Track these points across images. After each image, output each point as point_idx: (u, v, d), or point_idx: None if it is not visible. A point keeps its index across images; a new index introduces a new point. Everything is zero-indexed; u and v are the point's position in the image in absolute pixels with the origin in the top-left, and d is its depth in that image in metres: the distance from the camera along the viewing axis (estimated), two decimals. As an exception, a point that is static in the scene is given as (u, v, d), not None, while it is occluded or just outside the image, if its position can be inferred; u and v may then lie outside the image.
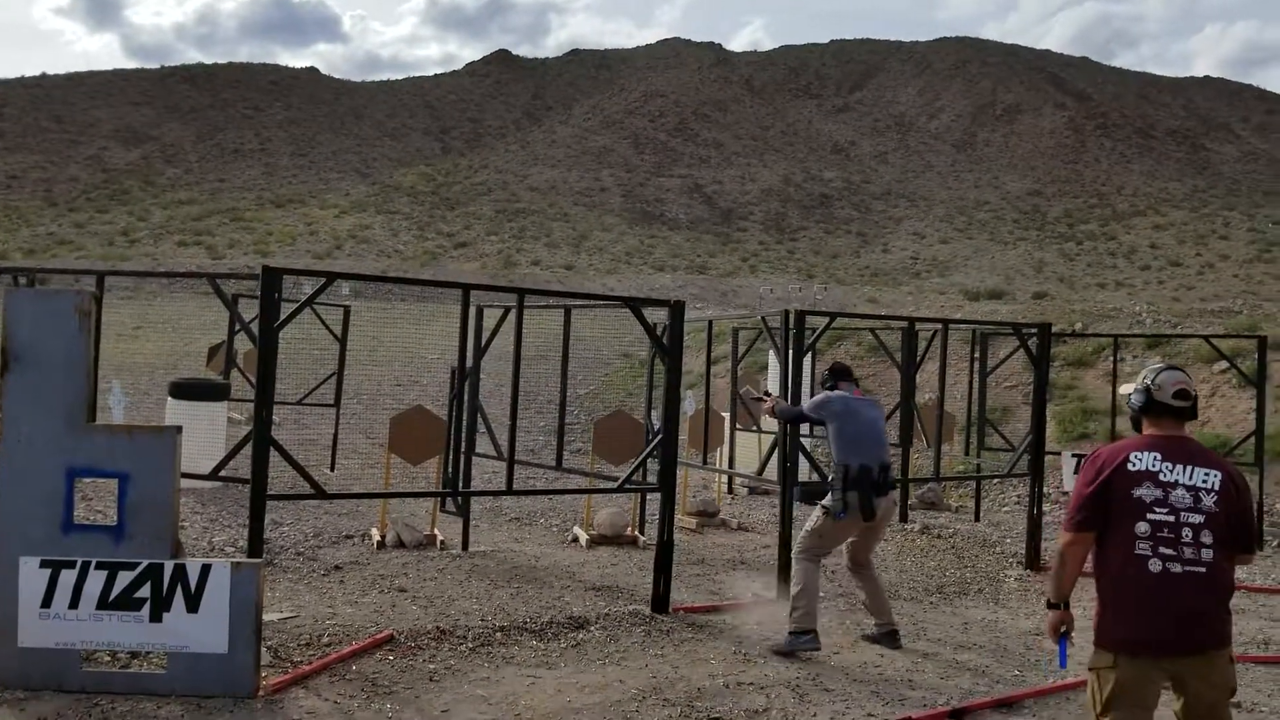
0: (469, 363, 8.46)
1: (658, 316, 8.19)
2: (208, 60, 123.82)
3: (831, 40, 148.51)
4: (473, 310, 9.19)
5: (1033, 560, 9.34)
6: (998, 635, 7.02)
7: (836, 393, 7.13)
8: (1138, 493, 3.69)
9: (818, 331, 8.78)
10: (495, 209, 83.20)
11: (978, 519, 12.49)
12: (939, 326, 10.64)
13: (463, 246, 69.01)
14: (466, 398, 9.10)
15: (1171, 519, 3.65)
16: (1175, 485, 3.68)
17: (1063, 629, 4.08)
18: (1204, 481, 3.69)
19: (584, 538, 9.67)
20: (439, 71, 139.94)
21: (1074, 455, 10.77)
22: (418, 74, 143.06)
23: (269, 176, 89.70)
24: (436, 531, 9.36)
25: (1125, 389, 4.01)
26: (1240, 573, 9.14)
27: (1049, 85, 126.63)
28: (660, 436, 7.44)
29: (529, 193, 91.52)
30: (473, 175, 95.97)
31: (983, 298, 43.11)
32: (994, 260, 75.85)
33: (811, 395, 12.80)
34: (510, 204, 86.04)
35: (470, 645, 6.16)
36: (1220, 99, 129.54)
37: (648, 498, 9.92)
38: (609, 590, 7.84)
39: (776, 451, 8.40)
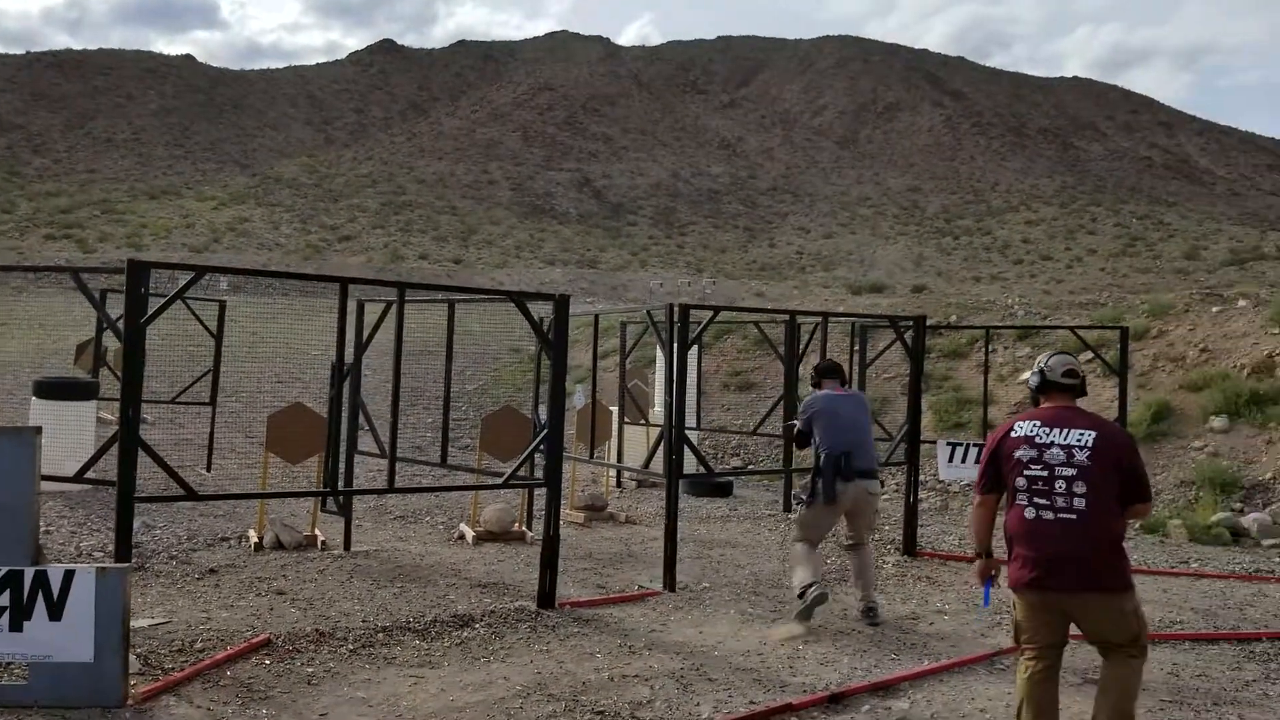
0: (350, 359, 8.31)
1: (544, 310, 8.18)
2: (77, 46, 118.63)
3: (718, 36, 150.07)
4: (355, 305, 9.03)
5: (910, 546, 9.61)
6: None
7: (821, 391, 7.61)
8: (1017, 454, 4.44)
9: (702, 325, 8.86)
10: (381, 202, 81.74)
11: (859, 507, 12.78)
12: (819, 320, 10.84)
13: (347, 240, 67.65)
14: (348, 394, 8.93)
15: (1045, 474, 4.36)
16: (1050, 445, 4.39)
17: (991, 573, 4.70)
18: (1078, 440, 4.37)
19: (470, 535, 9.59)
20: (322, 60, 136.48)
21: (948, 444, 11.10)
22: (299, 63, 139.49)
23: (143, 167, 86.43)
24: (317, 532, 9.16)
25: (1027, 374, 4.74)
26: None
27: (927, 84, 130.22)
28: (545, 432, 7.42)
29: (416, 185, 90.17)
30: (357, 167, 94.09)
31: (865, 291, 44.18)
32: (876, 255, 77.66)
33: (700, 387, 12.95)
34: (396, 196, 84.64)
35: (351, 647, 6.06)
36: (1088, 99, 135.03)
37: (535, 493, 9.89)
38: (495, 587, 7.79)
39: (662, 444, 8.46)
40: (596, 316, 11.95)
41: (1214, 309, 16.01)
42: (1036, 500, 4.35)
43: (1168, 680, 5.92)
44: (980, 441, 11.52)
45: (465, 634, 6.42)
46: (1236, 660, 6.41)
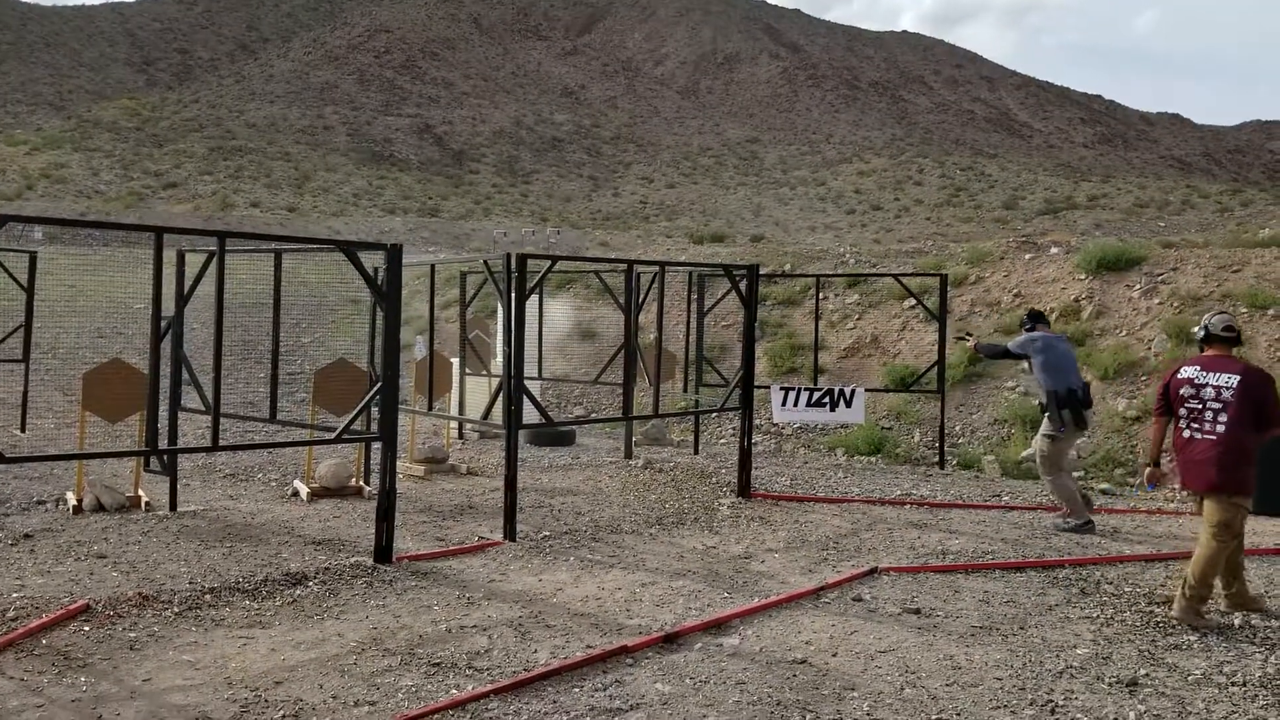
0: (172, 311, 7.94)
1: (380, 261, 7.99)
2: None
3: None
4: (178, 256, 8.62)
5: (744, 489, 9.90)
6: (711, 561, 7.41)
7: (1038, 332, 9.03)
8: (1181, 391, 6.22)
9: (539, 275, 8.83)
10: (209, 147, 77.97)
11: (697, 452, 13.09)
12: (658, 269, 10.95)
13: (173, 187, 64.38)
14: (170, 349, 8.56)
15: (1199, 406, 6.12)
16: (1205, 385, 6.13)
17: (1155, 477, 6.55)
18: (1226, 382, 6.07)
19: (304, 491, 9.38)
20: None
21: (782, 389, 11.43)
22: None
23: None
24: (141, 493, 8.80)
25: (1194, 327, 6.88)
26: (925, 489, 10.01)
27: (766, 36, 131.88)
28: (380, 385, 7.29)
29: (246, 130, 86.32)
30: (182, 110, 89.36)
31: (706, 241, 44.78)
32: (717, 204, 78.71)
33: (540, 338, 12.94)
34: (225, 141, 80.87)
35: (177, 610, 5.87)
36: (916, 53, 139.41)
37: (373, 447, 9.73)
38: (330, 544, 7.66)
39: (502, 395, 8.43)
40: (433, 266, 11.74)
41: (1027, 256, 16.92)
42: (1192, 424, 6.12)
43: (979, 607, 6.31)
44: (811, 385, 11.91)
45: (298, 592, 6.30)
46: (1042, 586, 6.88)
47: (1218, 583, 6.23)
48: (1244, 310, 13.72)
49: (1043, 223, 58.34)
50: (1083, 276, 15.60)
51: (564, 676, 4.93)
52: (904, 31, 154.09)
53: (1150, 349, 13.70)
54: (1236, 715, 4.61)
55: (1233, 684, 5.00)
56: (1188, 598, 6.01)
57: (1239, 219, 53.76)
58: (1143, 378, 13.24)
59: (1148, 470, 6.50)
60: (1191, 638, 5.74)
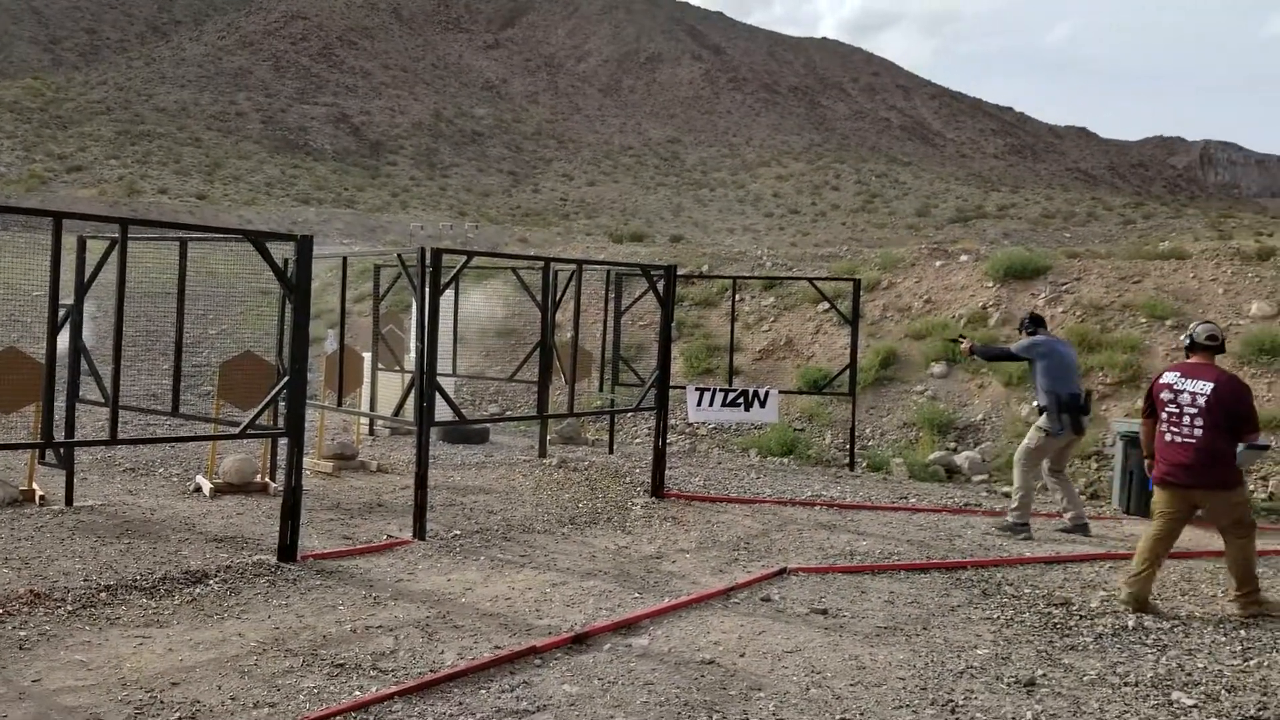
0: (72, 299, 7.68)
1: (290, 251, 7.82)
2: None
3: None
4: (79, 242, 8.32)
5: (658, 488, 9.92)
6: (623, 561, 7.41)
7: (1040, 336, 9.25)
8: (1162, 395, 6.64)
9: (455, 270, 8.74)
10: (116, 130, 75.59)
11: (611, 451, 13.09)
12: (575, 267, 10.91)
13: (77, 170, 62.25)
14: (69, 338, 8.27)
15: (1178, 411, 6.52)
16: (1183, 391, 6.52)
17: (1154, 471, 6.81)
18: (1201, 389, 6.46)
19: (207, 487, 9.14)
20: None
21: (697, 389, 11.48)
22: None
23: None
24: (35, 486, 8.49)
25: (1181, 335, 7.22)
26: (835, 490, 10.12)
27: (688, 37, 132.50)
28: (287, 379, 7.14)
29: (155, 114, 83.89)
30: (89, 92, 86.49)
31: (626, 240, 44.81)
32: (637, 204, 78.85)
33: (455, 334, 12.81)
34: (134, 125, 78.49)
35: (70, 608, 5.67)
36: (835, 60, 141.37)
37: (279, 442, 9.52)
38: (233, 541, 7.48)
39: (414, 391, 8.32)
40: (345, 259, 11.53)
41: (938, 263, 17.27)
42: (1171, 428, 6.54)
43: (884, 607, 6.41)
44: (726, 386, 12.00)
45: (198, 591, 6.13)
46: (945, 587, 7.02)
47: (1133, 564, 6.76)
48: (1143, 320, 14.20)
49: (953, 230, 59.67)
50: (990, 284, 15.98)
51: (470, 678, 4.88)
52: (824, 38, 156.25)
53: (1053, 356, 14.07)
54: (1128, 714, 4.76)
55: (1125, 684, 5.16)
56: (1242, 596, 6.48)
57: (1140, 231, 55.66)
58: (1046, 384, 13.60)
59: (1146, 462, 6.97)
60: (1087, 639, 5.91)
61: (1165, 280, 15.08)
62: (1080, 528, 9.07)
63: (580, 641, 5.49)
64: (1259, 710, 4.84)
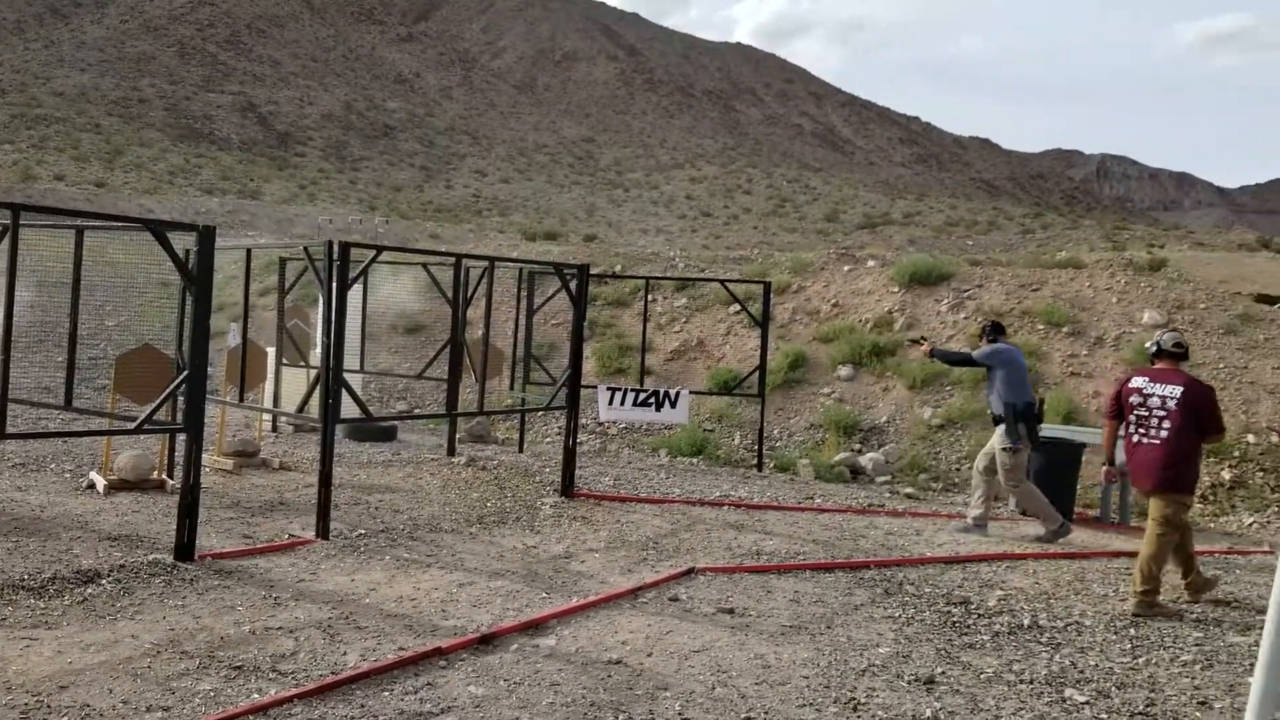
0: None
1: (191, 242, 7.59)
2: None
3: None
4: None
5: (568, 488, 9.90)
6: (531, 561, 7.37)
7: (1002, 344, 9.34)
8: (1131, 399, 6.98)
9: (363, 265, 8.59)
10: (10, 114, 72.64)
11: (521, 450, 13.02)
12: (487, 264, 10.82)
13: (-36, 153, 59.67)
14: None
15: (1146, 414, 6.87)
16: (1152, 395, 6.87)
17: (1110, 475, 7.47)
18: (1170, 393, 6.81)
19: (101, 484, 8.83)
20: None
21: (608, 388, 11.48)
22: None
23: None
24: (-87, 483, 8.10)
25: (1148, 344, 7.42)
26: (744, 491, 10.22)
27: (604, 37, 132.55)
28: (186, 373, 6.93)
29: (52, 98, 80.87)
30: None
31: (539, 238, 44.62)
32: (551, 202, 78.62)
33: (363, 330, 12.60)
34: (29, 109, 75.54)
35: (-51, 611, 5.42)
36: (749, 65, 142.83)
37: (178, 438, 9.24)
38: (127, 540, 7.24)
39: (319, 388, 8.15)
40: (249, 251, 11.25)
41: (846, 268, 17.56)
42: (1139, 430, 6.89)
43: (790, 607, 6.49)
44: (638, 387, 12.03)
45: (89, 591, 5.92)
46: (849, 586, 7.14)
47: (1176, 574, 7.15)
48: (1041, 327, 14.63)
49: (861, 236, 60.77)
50: (896, 289, 16.30)
51: (373, 680, 4.80)
52: (738, 43, 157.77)
53: (956, 361, 14.42)
54: (1023, 711, 4.89)
55: (1021, 681, 5.31)
56: (1141, 593, 6.74)
57: (1039, 241, 57.35)
58: (947, 388, 13.93)
59: (1104, 469, 7.39)
60: (985, 637, 6.07)
61: (1062, 288, 15.57)
62: (979, 528, 9.31)
63: (486, 642, 5.44)
64: (1147, 706, 5.03)
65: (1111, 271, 16.01)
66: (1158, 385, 6.90)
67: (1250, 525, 10.98)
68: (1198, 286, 15.14)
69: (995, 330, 9.52)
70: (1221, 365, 13.25)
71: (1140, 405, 6.91)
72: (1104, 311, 14.82)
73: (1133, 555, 8.59)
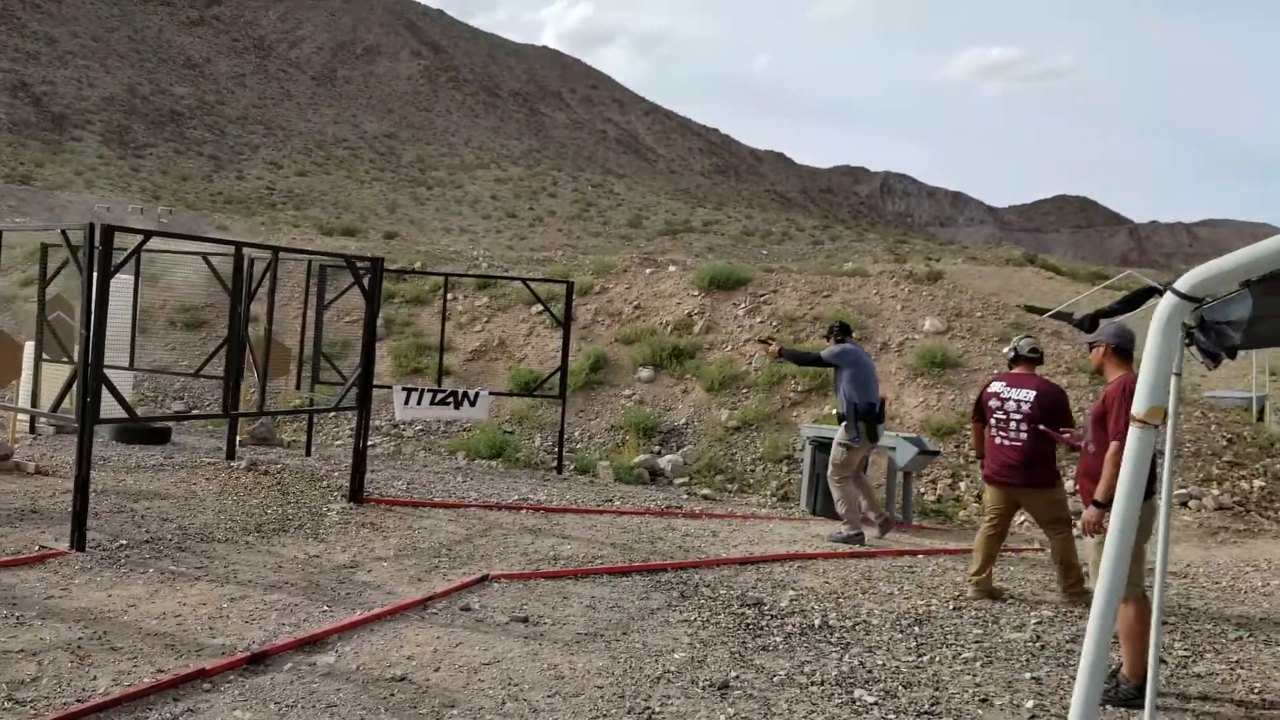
0: None
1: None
2: None
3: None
4: None
5: (356, 493, 9.43)
6: (313, 572, 6.93)
7: (848, 344, 9.48)
8: (990, 403, 7.34)
9: (129, 251, 7.90)
10: None
11: (309, 453, 12.38)
12: (271, 255, 10.21)
13: None
14: None
15: (1004, 417, 7.24)
16: (1009, 399, 7.24)
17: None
18: (1024, 397, 7.19)
19: None
20: None
21: (404, 389, 11.05)
22: None
23: None
24: None
25: (1005, 348, 7.78)
26: (542, 494, 9.97)
27: (407, 31, 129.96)
28: (-86, 367, 6.16)
29: None
30: None
31: (337, 234, 43.07)
32: (350, 197, 76.28)
33: (134, 323, 11.68)
34: None
35: None
36: (555, 69, 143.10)
37: (-91, 441, 8.26)
38: None
39: (76, 386, 7.43)
40: (0, 233, 10.23)
41: (648, 271, 17.66)
42: (999, 432, 7.25)
43: (585, 613, 6.33)
44: (434, 387, 11.64)
45: None
46: (646, 590, 7.04)
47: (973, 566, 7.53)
48: (832, 333, 15.10)
49: (663, 242, 61.73)
50: (696, 293, 16.50)
51: (125, 707, 4.33)
52: (545, 47, 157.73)
53: (751, 364, 14.70)
54: (815, 714, 4.89)
55: (812, 684, 5.32)
56: (1070, 587, 7.25)
57: (828, 252, 59.74)
58: (744, 390, 14.17)
59: (980, 461, 7.68)
60: (778, 639, 6.08)
61: (851, 295, 16.13)
62: (853, 537, 9.20)
63: (257, 661, 5.03)
64: (932, 705, 5.12)
65: (895, 281, 16.71)
66: (1014, 390, 7.26)
67: (1020, 523, 11.62)
68: (974, 297, 16.01)
69: (842, 331, 9.63)
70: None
71: (999, 409, 7.25)
72: (890, 318, 15.43)
73: (914, 554, 8.93)
